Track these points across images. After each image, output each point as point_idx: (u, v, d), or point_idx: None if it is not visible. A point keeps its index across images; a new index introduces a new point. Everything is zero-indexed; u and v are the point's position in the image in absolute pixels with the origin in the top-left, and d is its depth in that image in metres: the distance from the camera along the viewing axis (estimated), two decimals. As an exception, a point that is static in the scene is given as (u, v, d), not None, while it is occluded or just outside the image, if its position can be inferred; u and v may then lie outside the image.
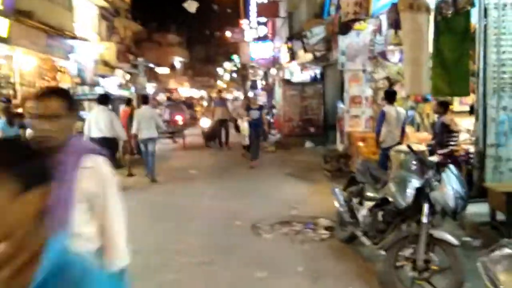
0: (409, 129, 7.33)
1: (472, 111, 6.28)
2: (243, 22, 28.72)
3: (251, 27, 26.67)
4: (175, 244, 5.21)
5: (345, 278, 4.11)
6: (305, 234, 5.47)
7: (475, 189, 5.39)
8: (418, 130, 7.86)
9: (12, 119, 8.10)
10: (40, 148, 1.04)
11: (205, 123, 14.61)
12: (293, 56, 15.62)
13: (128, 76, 23.68)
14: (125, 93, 20.42)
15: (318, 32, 9.98)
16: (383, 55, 8.03)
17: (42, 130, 1.87)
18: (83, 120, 10.41)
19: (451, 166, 3.85)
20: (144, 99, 10.69)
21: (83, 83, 15.81)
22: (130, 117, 10.45)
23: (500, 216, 4.80)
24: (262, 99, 22.78)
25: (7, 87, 11.04)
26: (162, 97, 31.16)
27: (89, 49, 16.37)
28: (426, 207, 3.68)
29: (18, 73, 11.71)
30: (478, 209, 4.97)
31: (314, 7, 13.04)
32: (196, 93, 48.17)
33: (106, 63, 19.92)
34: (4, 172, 0.88)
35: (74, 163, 1.90)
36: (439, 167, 4.20)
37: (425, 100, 7.81)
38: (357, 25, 8.06)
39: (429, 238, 3.54)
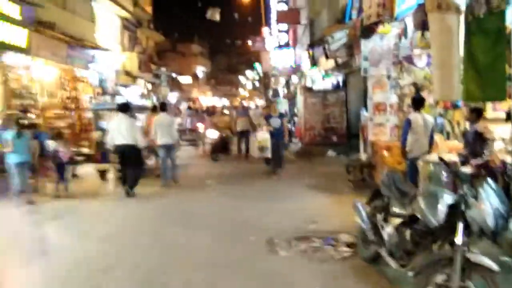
0: (438, 138, 6.84)
1: (509, 117, 5.78)
2: (265, 31, 28.58)
3: (272, 35, 26.46)
4: (180, 259, 4.89)
5: (369, 304, 3.70)
6: (324, 251, 5.06)
7: (513, 203, 4.88)
8: (448, 138, 7.35)
9: (21, 130, 8.04)
10: None
11: (212, 134, 13.56)
12: (314, 63, 15.26)
13: (149, 86, 23.78)
14: (146, 103, 20.51)
15: (339, 37, 9.58)
16: (408, 59, 7.57)
17: None
18: (102, 130, 10.50)
19: (489, 180, 3.41)
20: (162, 106, 10.69)
21: (104, 93, 15.87)
22: None
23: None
24: (283, 107, 22.47)
25: (27, 98, 11.09)
26: (184, 106, 31.27)
27: (110, 59, 16.45)
28: (460, 227, 3.25)
29: (38, 83, 11.78)
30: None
31: (336, 12, 12.67)
32: (218, 102, 48.27)
33: (128, 73, 20.06)
34: None
35: None
36: (475, 180, 3.78)
37: (455, 106, 7.30)
38: (380, 28, 7.65)
39: (465, 262, 3.11)
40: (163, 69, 29.03)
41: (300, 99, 15.67)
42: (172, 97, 32.98)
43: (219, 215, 6.98)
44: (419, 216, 3.58)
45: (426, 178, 5.48)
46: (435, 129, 6.75)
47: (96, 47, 14.88)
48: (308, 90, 15.30)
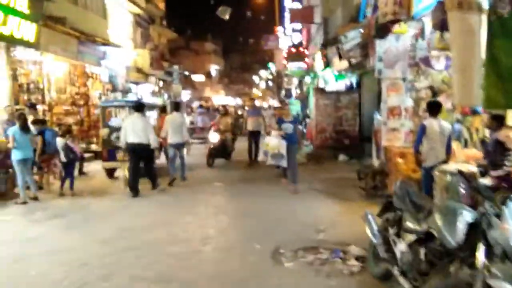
0: (455, 146, 6.47)
1: (533, 126, 5.41)
2: (278, 30, 28.28)
3: (286, 34, 26.15)
4: (182, 271, 4.64)
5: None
6: (332, 264, 4.77)
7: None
8: (465, 146, 6.98)
9: (25, 125, 7.95)
10: None
11: (214, 137, 12.02)
12: (328, 64, 14.91)
13: (161, 83, 23.66)
14: (157, 100, 20.40)
15: (353, 36, 9.20)
16: (426, 61, 7.21)
17: None
18: (110, 127, 10.37)
19: (514, 197, 3.09)
20: (176, 106, 10.84)
21: (114, 89, 15.75)
22: None
23: None
24: (296, 108, 22.12)
25: (35, 93, 10.99)
26: (196, 104, 31.15)
27: (121, 55, 16.32)
28: (482, 249, 2.94)
29: (47, 79, 11.68)
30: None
31: (350, 11, 12.31)
32: (231, 101, 48.09)
33: (139, 70, 19.94)
34: None
35: None
36: (497, 194, 3.47)
37: (474, 112, 6.92)
38: (396, 28, 7.30)
39: (486, 288, 2.80)
40: (176, 66, 28.90)
41: (312, 100, 15.35)
42: (185, 95, 32.87)
43: (223, 222, 6.73)
44: (435, 234, 3.28)
45: (443, 189, 5.15)
46: (452, 137, 6.39)
47: (107, 43, 14.75)
48: (320, 91, 14.93)
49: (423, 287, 3.29)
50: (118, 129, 10.31)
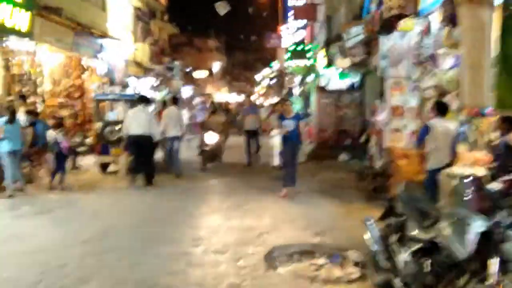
0: (462, 148, 6.16)
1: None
2: (282, 28, 27.94)
3: (289, 32, 25.81)
4: (167, 275, 4.33)
5: None
6: (329, 270, 4.48)
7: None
8: (471, 149, 6.66)
9: (14, 116, 7.77)
10: None
11: (211, 138, 10.77)
12: (330, 62, 14.59)
13: (161, 78, 23.33)
14: (156, 95, 20.10)
15: (356, 33, 8.85)
16: (432, 59, 6.90)
17: None
18: (104, 121, 10.11)
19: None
20: (174, 100, 10.98)
21: (111, 83, 15.41)
22: None
23: None
24: (297, 106, 21.78)
25: (28, 84, 10.68)
26: (197, 100, 30.79)
27: (119, 48, 15.98)
28: (495, 262, 2.65)
29: (41, 70, 11.36)
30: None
31: (354, 8, 11.97)
32: (234, 98, 47.76)
33: (138, 64, 19.62)
34: None
35: None
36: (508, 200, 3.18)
37: (482, 113, 6.61)
38: (401, 25, 6.99)
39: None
40: (177, 62, 28.55)
41: (313, 99, 15.04)
42: (186, 91, 32.49)
43: (215, 223, 6.43)
44: (442, 243, 2.98)
45: (448, 194, 4.84)
46: (458, 138, 6.08)
47: (104, 35, 14.41)
48: (321, 89, 14.61)
49: (428, 302, 2.99)
50: (113, 123, 10.09)
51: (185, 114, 16.04)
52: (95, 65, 14.29)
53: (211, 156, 10.83)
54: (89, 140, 12.42)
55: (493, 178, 5.00)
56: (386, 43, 7.88)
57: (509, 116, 5.36)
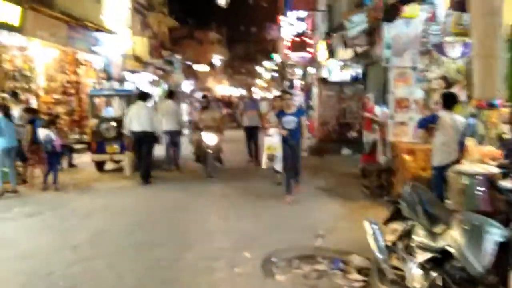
0: (470, 142, 5.81)
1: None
2: (282, 19, 27.47)
3: (290, 23, 25.37)
4: (156, 284, 4.04)
5: None
6: (331, 277, 4.18)
7: None
8: (480, 143, 6.32)
9: (8, 113, 7.64)
10: None
11: (211, 139, 9.08)
12: (332, 54, 14.18)
13: (160, 72, 23.00)
14: (155, 90, 19.79)
15: (358, 21, 8.46)
16: (439, 48, 6.53)
17: None
18: (100, 118, 9.81)
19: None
20: (170, 94, 11.02)
21: (109, 78, 15.11)
22: None
23: None
24: (298, 99, 21.39)
25: (20, 80, 10.38)
26: (198, 95, 30.46)
27: (116, 42, 15.64)
28: (516, 278, 2.34)
29: (34, 65, 11.06)
30: None
31: (357, -4, 11.58)
32: (235, 91, 47.37)
33: (137, 58, 19.29)
34: None
35: None
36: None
37: (491, 105, 6.25)
38: (406, 12, 6.62)
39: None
40: (177, 56, 28.18)
41: (315, 91, 14.68)
42: (187, 85, 32.13)
43: (211, 224, 6.14)
44: (455, 254, 2.66)
45: (458, 193, 4.51)
46: (466, 132, 5.73)
47: (99, 29, 14.06)
48: (323, 81, 14.22)
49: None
50: (109, 119, 9.78)
51: (185, 109, 15.73)
52: (91, 59, 13.97)
53: (215, 159, 9.44)
54: (86, 137, 12.15)
55: (505, 175, 4.69)
56: (390, 31, 7.51)
57: (522, 108, 5.02)
